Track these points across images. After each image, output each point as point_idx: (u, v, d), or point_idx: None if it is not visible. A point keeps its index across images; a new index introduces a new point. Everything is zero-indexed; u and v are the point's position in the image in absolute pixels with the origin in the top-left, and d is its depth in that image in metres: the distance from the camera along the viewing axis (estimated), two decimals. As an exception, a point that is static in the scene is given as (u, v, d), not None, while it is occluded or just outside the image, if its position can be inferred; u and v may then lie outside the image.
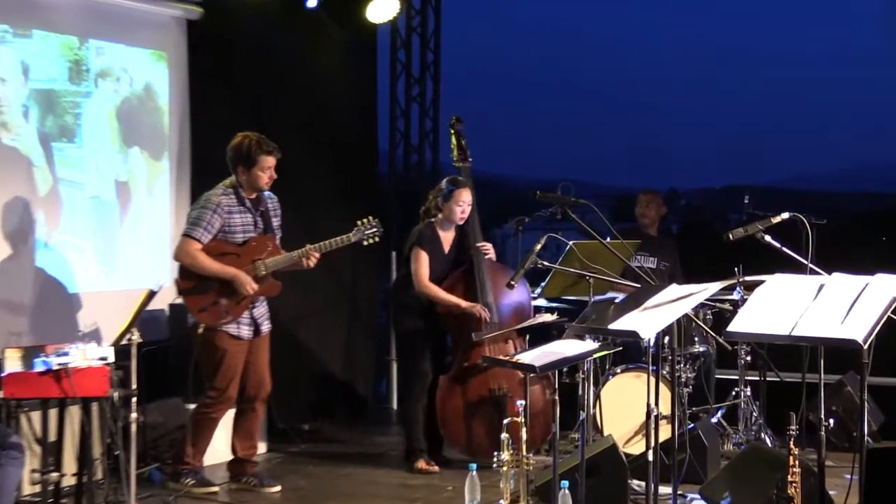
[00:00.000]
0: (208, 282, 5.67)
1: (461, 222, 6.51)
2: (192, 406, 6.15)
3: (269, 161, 5.77)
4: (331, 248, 5.86)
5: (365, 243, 5.97)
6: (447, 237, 6.54)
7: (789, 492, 4.35)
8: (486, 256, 6.51)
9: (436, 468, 6.45)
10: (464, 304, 6.36)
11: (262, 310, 5.91)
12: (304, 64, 8.05)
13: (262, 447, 6.83)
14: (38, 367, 4.91)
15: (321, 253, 5.85)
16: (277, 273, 5.87)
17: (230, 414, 6.05)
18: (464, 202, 6.44)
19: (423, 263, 6.40)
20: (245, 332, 5.78)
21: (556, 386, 4.98)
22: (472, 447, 6.39)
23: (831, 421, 6.48)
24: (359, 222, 5.94)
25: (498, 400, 6.35)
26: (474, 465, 5.15)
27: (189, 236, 5.67)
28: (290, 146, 7.84)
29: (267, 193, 5.90)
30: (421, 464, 6.45)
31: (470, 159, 6.66)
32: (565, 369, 6.75)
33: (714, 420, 6.70)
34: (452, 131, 6.73)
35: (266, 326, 5.94)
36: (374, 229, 5.96)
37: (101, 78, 6.80)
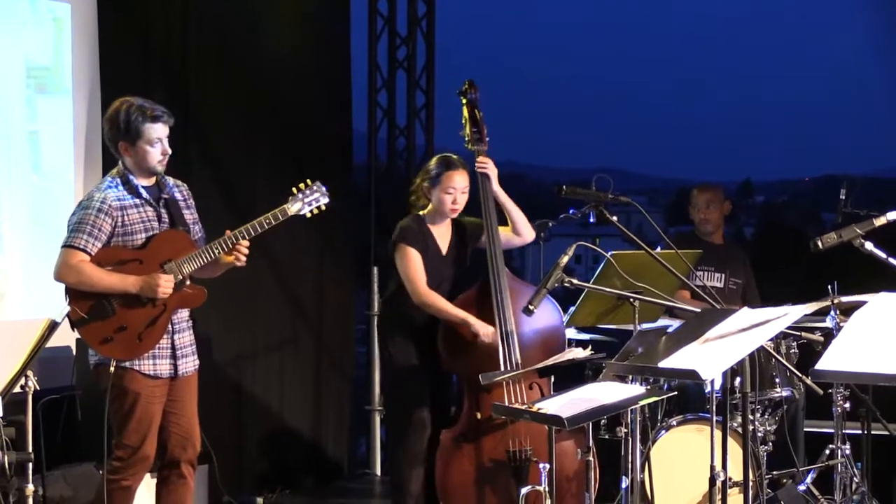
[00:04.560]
0: (107, 302, 5.63)
1: (454, 215, 6.50)
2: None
3: (158, 130, 5.67)
4: (262, 230, 5.72)
5: (308, 215, 5.87)
6: (442, 233, 6.52)
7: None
8: (483, 172, 6.45)
9: None
10: (472, 319, 6.31)
11: (185, 338, 5.84)
12: (251, 19, 8.10)
13: (200, 528, 6.87)
14: None
15: (249, 238, 5.71)
16: (201, 280, 5.83)
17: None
18: (455, 189, 6.40)
19: (412, 263, 6.35)
20: (164, 368, 5.73)
21: (591, 444, 4.99)
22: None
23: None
24: (294, 189, 5.84)
25: (518, 466, 6.32)
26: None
27: (70, 246, 5.57)
28: (233, 134, 7.96)
29: (172, 182, 5.85)
30: (418, 547, 6.43)
31: (487, 139, 6.57)
32: (603, 422, 6.77)
33: (802, 487, 6.70)
34: (464, 101, 6.65)
35: (191, 363, 5.87)
36: (317, 193, 5.86)
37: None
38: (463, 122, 6.61)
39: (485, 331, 6.29)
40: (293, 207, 5.83)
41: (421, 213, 6.49)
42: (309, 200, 5.86)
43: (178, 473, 5.93)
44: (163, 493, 5.98)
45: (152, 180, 5.76)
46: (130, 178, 5.70)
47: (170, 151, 5.73)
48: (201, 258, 5.68)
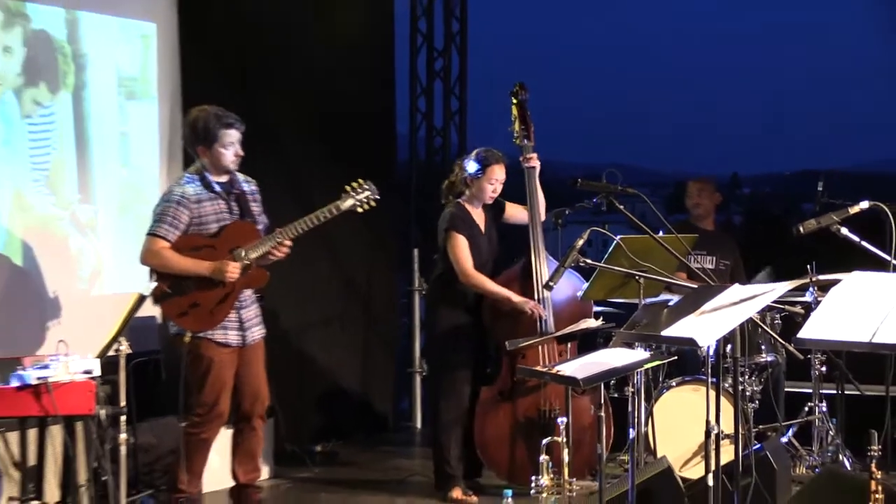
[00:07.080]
0: (184, 282, 5.70)
1: (490, 201, 6.52)
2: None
3: (232, 135, 5.76)
4: (316, 224, 5.77)
5: (359, 210, 5.91)
6: (480, 216, 6.54)
7: (870, 521, 4.35)
8: (531, 167, 6.48)
9: (474, 498, 6.41)
10: (515, 297, 6.35)
11: (251, 312, 5.91)
12: (308, 36, 8.08)
13: (267, 472, 6.91)
14: (15, 382, 4.97)
15: (295, 235, 5.74)
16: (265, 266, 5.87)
17: (229, 435, 6.10)
18: (497, 180, 6.44)
19: (462, 249, 6.37)
20: (233, 338, 5.82)
21: (603, 401, 4.99)
22: (518, 475, 6.34)
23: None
24: (347, 187, 5.87)
25: (546, 424, 6.30)
26: (509, 492, 5.17)
27: (153, 235, 5.69)
28: (292, 132, 7.95)
29: (242, 178, 5.91)
30: (457, 493, 6.41)
31: (533, 135, 6.57)
32: (613, 382, 6.79)
33: (784, 440, 6.70)
34: (515, 101, 6.63)
35: (257, 332, 5.94)
36: (368, 192, 5.89)
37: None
38: (512, 119, 6.62)
39: (526, 305, 6.32)
40: (345, 203, 5.86)
41: (459, 200, 6.50)
42: (360, 198, 5.88)
43: (251, 426, 6.00)
44: (237, 442, 6.07)
45: (225, 177, 5.84)
46: (206, 175, 5.78)
47: (242, 153, 5.80)
48: (265, 246, 5.75)
